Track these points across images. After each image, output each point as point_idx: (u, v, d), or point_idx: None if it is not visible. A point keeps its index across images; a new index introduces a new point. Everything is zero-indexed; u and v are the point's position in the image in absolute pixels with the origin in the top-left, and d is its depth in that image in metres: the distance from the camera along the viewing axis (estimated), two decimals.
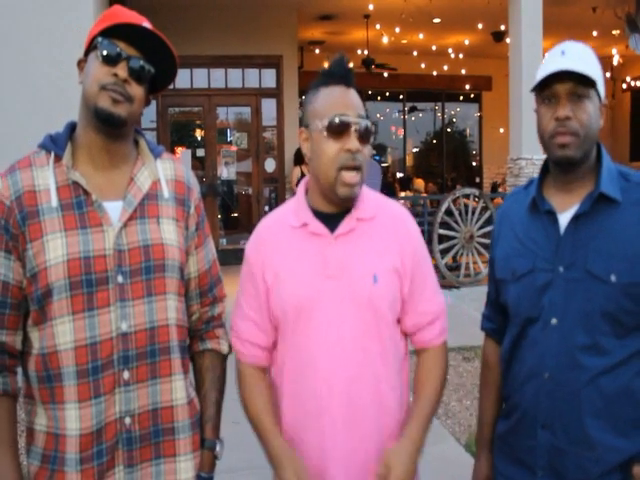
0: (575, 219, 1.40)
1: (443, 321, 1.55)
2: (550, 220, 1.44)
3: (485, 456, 1.63)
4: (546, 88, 1.41)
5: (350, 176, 1.38)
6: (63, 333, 1.25)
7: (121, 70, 1.29)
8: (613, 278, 1.35)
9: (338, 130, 1.39)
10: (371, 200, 1.50)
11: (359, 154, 1.39)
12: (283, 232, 1.48)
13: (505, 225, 1.56)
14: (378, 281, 1.41)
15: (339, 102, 1.42)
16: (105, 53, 1.29)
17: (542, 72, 1.41)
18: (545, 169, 1.51)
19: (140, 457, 1.31)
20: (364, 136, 1.41)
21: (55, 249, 1.26)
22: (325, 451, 1.41)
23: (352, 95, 1.44)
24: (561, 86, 1.38)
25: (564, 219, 1.43)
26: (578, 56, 1.40)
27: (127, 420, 1.29)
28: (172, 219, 1.38)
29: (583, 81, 1.37)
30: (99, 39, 1.30)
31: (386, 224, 1.48)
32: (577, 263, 1.38)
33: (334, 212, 1.45)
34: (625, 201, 1.39)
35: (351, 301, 1.41)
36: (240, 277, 1.53)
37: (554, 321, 1.40)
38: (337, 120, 1.39)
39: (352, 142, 1.38)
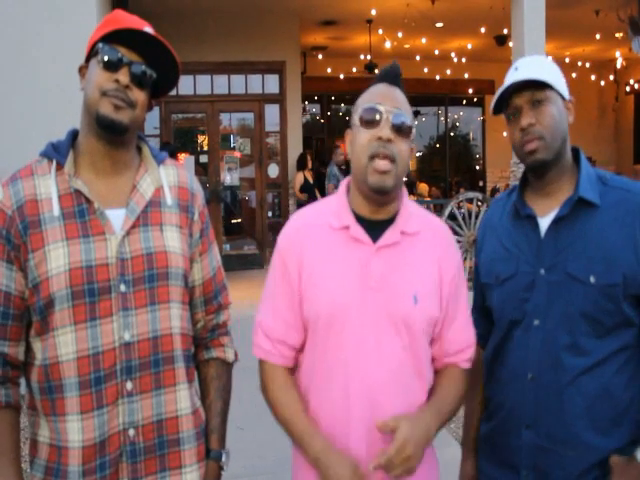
0: (555, 223, 1.46)
1: (472, 352, 1.49)
2: (531, 225, 1.50)
3: (471, 457, 1.68)
4: (508, 106, 1.48)
5: (381, 163, 1.33)
6: (65, 344, 1.24)
7: (122, 76, 1.27)
8: (592, 279, 1.39)
9: (370, 118, 1.36)
10: (415, 214, 1.46)
11: (392, 145, 1.35)
12: (322, 231, 1.42)
13: (489, 231, 1.61)
14: (418, 302, 1.37)
15: (377, 94, 1.40)
16: (106, 59, 1.27)
17: (499, 91, 1.49)
18: (524, 177, 1.57)
19: (145, 470, 1.29)
20: (399, 128, 1.36)
21: (57, 259, 1.24)
22: None
23: (393, 90, 1.41)
24: (519, 98, 1.46)
25: (544, 223, 1.48)
26: (531, 67, 1.47)
27: (131, 432, 1.27)
28: (176, 226, 1.36)
29: (539, 87, 1.44)
30: (100, 45, 1.29)
31: (430, 242, 1.44)
32: (558, 265, 1.44)
33: (376, 219, 1.41)
34: (603, 204, 1.43)
35: (387, 317, 1.36)
36: (270, 271, 1.47)
37: (536, 322, 1.44)
38: (369, 107, 1.37)
39: (383, 130, 1.35)
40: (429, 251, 1.42)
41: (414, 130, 1.41)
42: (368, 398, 1.35)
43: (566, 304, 1.41)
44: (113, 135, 1.29)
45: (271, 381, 1.43)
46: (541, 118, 1.43)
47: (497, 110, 1.53)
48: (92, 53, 1.31)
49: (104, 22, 1.34)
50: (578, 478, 1.40)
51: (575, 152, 1.52)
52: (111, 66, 1.27)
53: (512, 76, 1.47)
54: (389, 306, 1.36)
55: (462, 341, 1.47)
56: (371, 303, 1.36)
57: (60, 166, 1.31)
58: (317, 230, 1.42)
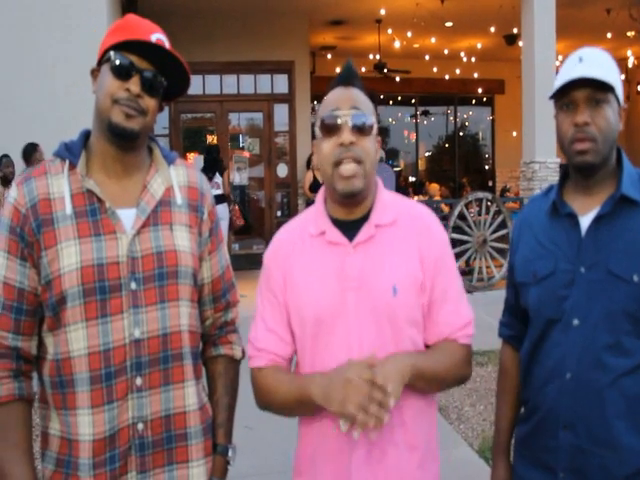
0: (596, 220, 1.42)
1: (470, 329, 1.46)
2: (571, 223, 1.46)
3: (502, 462, 1.62)
4: (564, 95, 1.42)
5: (345, 169, 1.33)
6: (77, 340, 1.27)
7: (134, 85, 1.29)
8: (635, 278, 1.36)
9: (330, 126, 1.36)
10: (391, 204, 1.44)
11: (355, 147, 1.34)
12: (302, 240, 1.44)
13: (525, 231, 1.57)
14: (398, 293, 1.36)
15: (333, 100, 1.40)
16: (117, 67, 1.29)
17: (560, 79, 1.42)
18: (565, 174, 1.53)
19: (153, 463, 1.32)
20: (360, 129, 1.35)
21: (69, 256, 1.27)
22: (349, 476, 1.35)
23: (349, 92, 1.40)
24: (579, 93, 1.40)
25: (585, 221, 1.44)
26: (596, 62, 1.41)
27: (140, 426, 1.30)
28: (185, 225, 1.39)
29: (601, 87, 1.39)
30: (111, 53, 1.31)
31: (407, 229, 1.42)
32: (599, 264, 1.40)
33: (352, 219, 1.41)
34: None
35: (370, 314, 1.36)
36: (258, 287, 1.49)
37: (576, 322, 1.41)
38: (326, 115, 1.37)
39: (344, 135, 1.34)
40: (407, 238, 1.41)
41: (375, 126, 1.39)
42: None
43: (607, 303, 1.38)
44: (124, 142, 1.32)
45: (261, 379, 1.43)
46: (597, 119, 1.39)
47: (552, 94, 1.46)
48: (104, 58, 1.33)
49: (116, 27, 1.36)
50: None
51: (617, 151, 1.49)
52: (122, 74, 1.29)
53: (577, 68, 1.40)
54: (370, 302, 1.36)
55: (456, 322, 1.43)
56: (353, 303, 1.36)
57: (73, 166, 1.33)
58: (297, 239, 1.45)
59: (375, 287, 1.36)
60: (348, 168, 1.34)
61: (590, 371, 1.38)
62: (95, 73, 1.37)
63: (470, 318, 1.47)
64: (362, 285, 1.36)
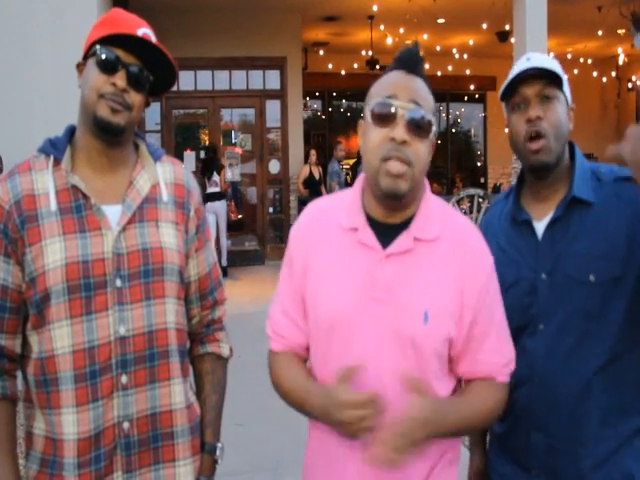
0: (551, 225, 1.45)
1: (511, 368, 1.32)
2: (528, 229, 1.48)
3: (478, 451, 1.68)
4: (515, 93, 1.45)
5: (394, 165, 1.18)
6: (61, 337, 1.25)
7: (120, 80, 1.28)
8: (592, 278, 1.39)
9: (382, 114, 1.21)
10: (437, 216, 1.28)
11: (407, 147, 1.19)
12: (331, 230, 1.30)
13: (489, 235, 1.54)
14: (429, 321, 1.21)
15: (392, 85, 1.23)
16: (103, 61, 1.28)
17: (509, 77, 1.45)
18: (521, 179, 1.56)
19: (139, 462, 1.30)
20: (416, 126, 1.20)
21: (54, 253, 1.26)
22: None
23: (411, 80, 1.24)
24: (529, 88, 1.43)
25: (541, 227, 1.47)
26: (543, 60, 1.44)
27: (125, 425, 1.28)
28: (171, 222, 1.37)
29: (550, 82, 1.42)
30: (97, 47, 1.29)
31: (451, 250, 1.25)
32: (557, 268, 1.43)
33: (390, 222, 1.26)
34: (598, 201, 1.42)
35: (392, 334, 1.21)
36: (284, 257, 1.39)
37: (541, 327, 1.44)
38: (381, 102, 1.21)
39: (397, 130, 1.19)
40: (449, 260, 1.24)
41: (434, 128, 1.25)
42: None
43: (568, 306, 1.40)
44: (110, 136, 1.31)
45: (275, 363, 1.35)
46: (549, 114, 1.41)
47: (503, 97, 1.49)
48: (89, 53, 1.32)
49: (101, 21, 1.35)
50: (590, 473, 1.40)
51: (571, 147, 1.51)
52: (108, 69, 1.28)
53: (524, 64, 1.43)
54: (395, 322, 1.21)
55: (496, 362, 1.29)
56: (375, 316, 1.22)
57: (57, 162, 1.32)
58: (326, 229, 1.31)
59: (405, 307, 1.21)
60: (396, 166, 1.19)
61: (557, 374, 1.42)
62: (80, 67, 1.36)
63: (513, 356, 1.32)
64: (390, 301, 1.21)
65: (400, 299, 1.22)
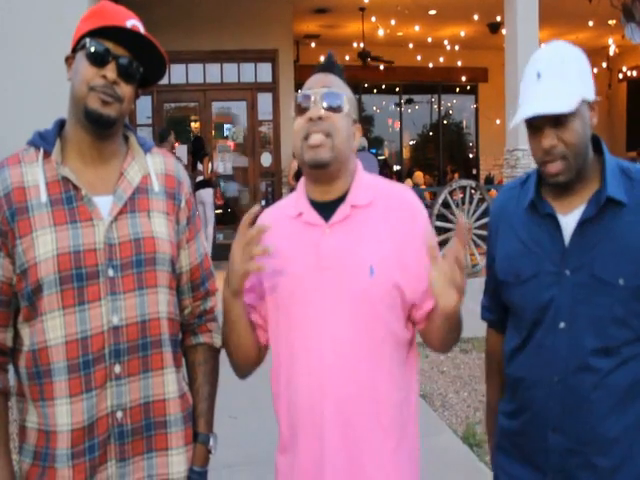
0: (581, 223, 1.39)
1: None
2: (552, 224, 1.42)
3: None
4: (527, 120, 1.36)
5: (313, 137, 1.35)
6: (53, 328, 1.25)
7: (110, 72, 1.28)
8: (621, 282, 1.34)
9: (302, 105, 1.39)
10: (369, 185, 1.44)
11: (324, 122, 1.36)
12: (282, 222, 1.45)
13: (503, 222, 1.52)
14: (375, 273, 1.34)
15: (309, 82, 1.42)
16: (93, 54, 1.28)
17: (520, 105, 1.37)
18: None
19: (132, 451, 1.31)
20: (329, 105, 1.37)
21: (45, 244, 1.26)
22: (322, 462, 1.35)
23: (325, 76, 1.43)
24: (540, 120, 1.34)
25: (567, 222, 1.41)
26: (557, 77, 1.34)
27: (119, 414, 1.29)
28: (163, 213, 1.38)
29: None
30: (87, 39, 1.29)
31: (385, 209, 1.41)
32: (584, 267, 1.37)
33: (329, 200, 1.41)
34: (630, 202, 1.37)
35: (347, 294, 1.35)
36: None
37: (562, 325, 1.39)
38: (300, 96, 1.39)
39: (313, 110, 1.36)
40: (386, 219, 1.40)
41: (347, 106, 1.39)
42: (314, 384, 1.36)
43: (594, 307, 1.36)
44: (101, 128, 1.31)
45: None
46: (565, 137, 1.33)
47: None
48: (78, 45, 1.32)
49: (90, 13, 1.35)
50: (608, 477, 1.38)
51: (595, 141, 1.43)
52: (98, 61, 1.28)
53: (535, 88, 1.35)
54: (344, 283, 1.35)
55: None
56: (326, 283, 1.36)
57: (47, 154, 1.32)
58: (278, 220, 1.46)
59: (351, 267, 1.36)
60: (315, 137, 1.35)
61: (577, 375, 1.37)
62: (70, 60, 1.35)
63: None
64: (337, 265, 1.36)
65: (345, 262, 1.36)
